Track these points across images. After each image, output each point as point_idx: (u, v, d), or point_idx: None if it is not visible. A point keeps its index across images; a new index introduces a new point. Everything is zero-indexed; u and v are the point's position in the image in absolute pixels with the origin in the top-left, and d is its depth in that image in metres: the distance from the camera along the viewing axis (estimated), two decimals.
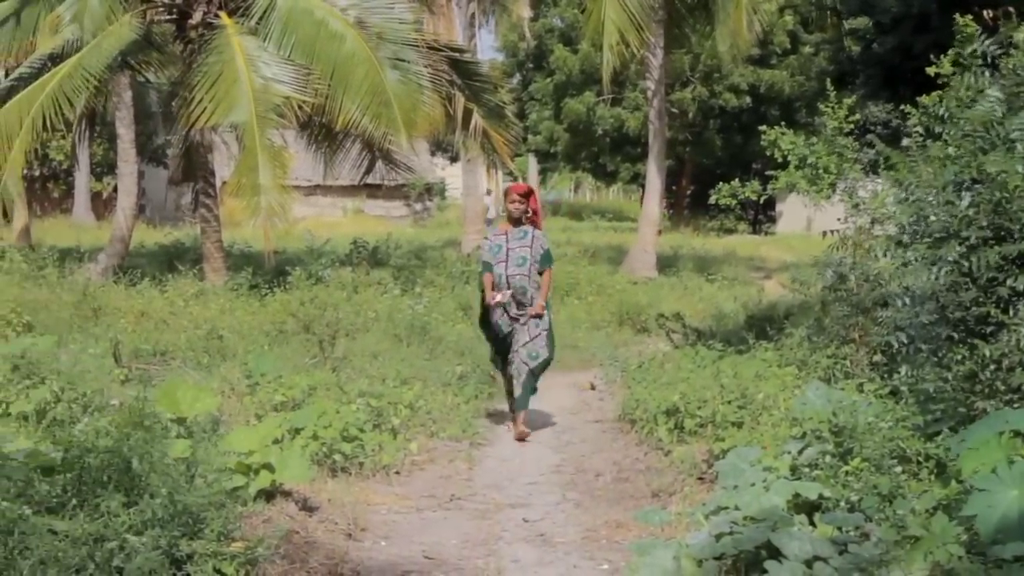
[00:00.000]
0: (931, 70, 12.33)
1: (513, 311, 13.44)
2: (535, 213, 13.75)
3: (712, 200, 17.17)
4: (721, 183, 16.93)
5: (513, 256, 13.48)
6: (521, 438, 13.31)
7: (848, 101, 14.51)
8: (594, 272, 28.34)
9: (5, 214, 22.43)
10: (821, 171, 14.37)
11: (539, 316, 13.43)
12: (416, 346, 17.59)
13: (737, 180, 17.38)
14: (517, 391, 13.44)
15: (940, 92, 12.48)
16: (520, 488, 11.11)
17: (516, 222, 13.64)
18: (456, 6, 37.20)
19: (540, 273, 13.53)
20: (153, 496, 6.80)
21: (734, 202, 16.82)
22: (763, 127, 15.16)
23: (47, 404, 11.12)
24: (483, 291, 13.72)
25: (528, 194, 13.82)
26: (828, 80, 14.90)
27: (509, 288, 13.39)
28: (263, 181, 20.45)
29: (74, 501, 6.86)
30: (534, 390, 13.75)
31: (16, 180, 21.86)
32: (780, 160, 14.74)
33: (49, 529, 6.49)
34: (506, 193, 13.93)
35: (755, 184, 15.92)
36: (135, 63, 25.16)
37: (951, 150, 10.22)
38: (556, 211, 67.53)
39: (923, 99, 13.11)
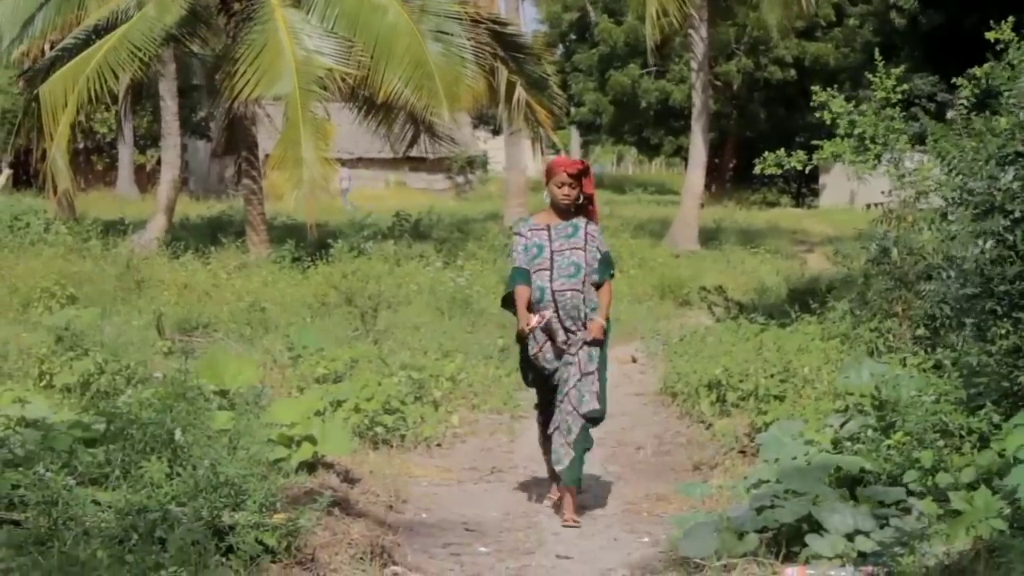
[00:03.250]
0: (991, 35, 12.20)
1: (561, 337, 9.18)
2: (590, 200, 9.45)
3: (757, 169, 17.12)
4: (766, 152, 16.92)
5: (560, 262, 9.17)
6: (570, 524, 9.02)
7: (896, 71, 14.41)
8: (636, 245, 28.29)
9: (55, 188, 22.50)
10: (868, 141, 14.25)
11: (597, 343, 9.20)
12: (458, 319, 17.62)
13: (783, 150, 17.41)
14: (564, 459, 9.09)
15: (992, 63, 12.36)
16: None
17: (563, 212, 9.29)
18: None
19: (598, 286, 9.29)
20: (196, 467, 6.84)
21: (779, 171, 16.76)
22: (814, 87, 15.10)
23: (91, 376, 11.24)
24: (515, 311, 9.33)
25: (582, 174, 9.32)
26: (876, 50, 14.80)
27: (556, 309, 9.13)
28: (306, 154, 20.52)
29: (117, 472, 6.93)
30: (585, 450, 9.29)
31: (63, 152, 21.99)
32: (828, 121, 14.69)
33: (93, 499, 6.56)
34: (549, 171, 9.42)
35: (800, 154, 15.87)
36: (180, 35, 25.21)
37: (1000, 122, 10.14)
38: (599, 184, 67.44)
39: (975, 70, 12.98)
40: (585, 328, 9.15)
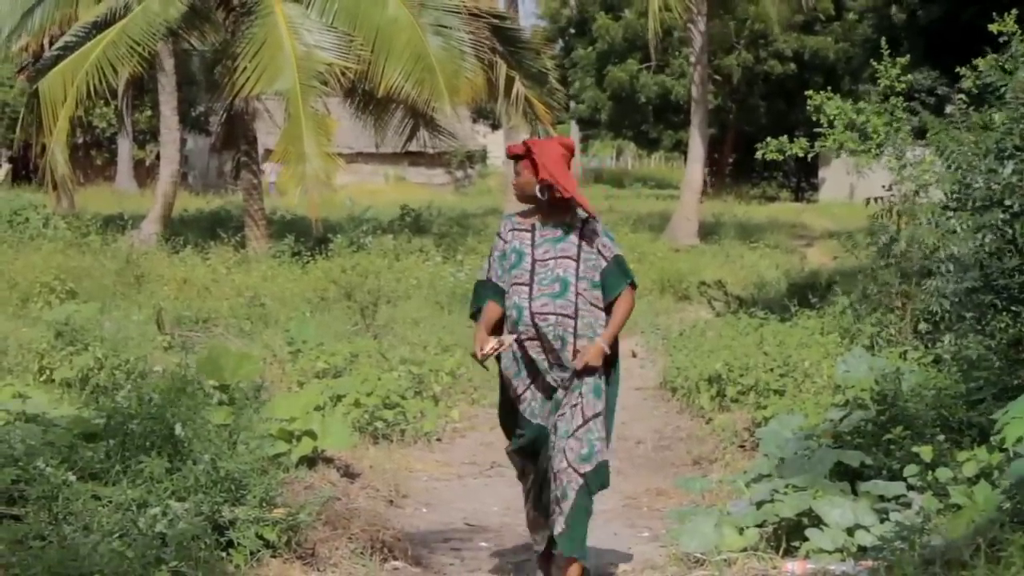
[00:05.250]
0: (994, 27, 12.17)
1: (553, 374, 6.86)
2: (551, 187, 6.81)
3: (759, 155, 17.16)
4: (768, 139, 16.97)
5: (543, 275, 6.85)
6: None
7: (901, 61, 14.42)
8: (636, 239, 28.28)
9: (54, 183, 22.50)
10: (870, 132, 14.27)
11: (591, 372, 6.77)
12: (457, 314, 17.60)
13: (785, 138, 17.44)
14: (559, 526, 6.84)
15: (995, 56, 12.33)
16: None
17: (549, 210, 6.95)
18: None
19: (606, 307, 6.87)
20: (196, 462, 6.84)
21: (780, 158, 16.72)
22: (809, 91, 15.15)
23: (90, 371, 11.24)
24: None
25: (525, 155, 6.91)
26: (883, 40, 14.82)
27: (535, 335, 6.83)
28: (307, 149, 20.55)
29: (117, 467, 6.91)
30: (587, 512, 6.94)
31: (62, 147, 21.99)
32: (826, 123, 14.72)
33: (93, 495, 6.54)
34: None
35: (803, 141, 15.90)
36: (179, 30, 25.18)
37: (996, 117, 10.13)
38: (598, 178, 67.30)
39: (978, 61, 12.97)
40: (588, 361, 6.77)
